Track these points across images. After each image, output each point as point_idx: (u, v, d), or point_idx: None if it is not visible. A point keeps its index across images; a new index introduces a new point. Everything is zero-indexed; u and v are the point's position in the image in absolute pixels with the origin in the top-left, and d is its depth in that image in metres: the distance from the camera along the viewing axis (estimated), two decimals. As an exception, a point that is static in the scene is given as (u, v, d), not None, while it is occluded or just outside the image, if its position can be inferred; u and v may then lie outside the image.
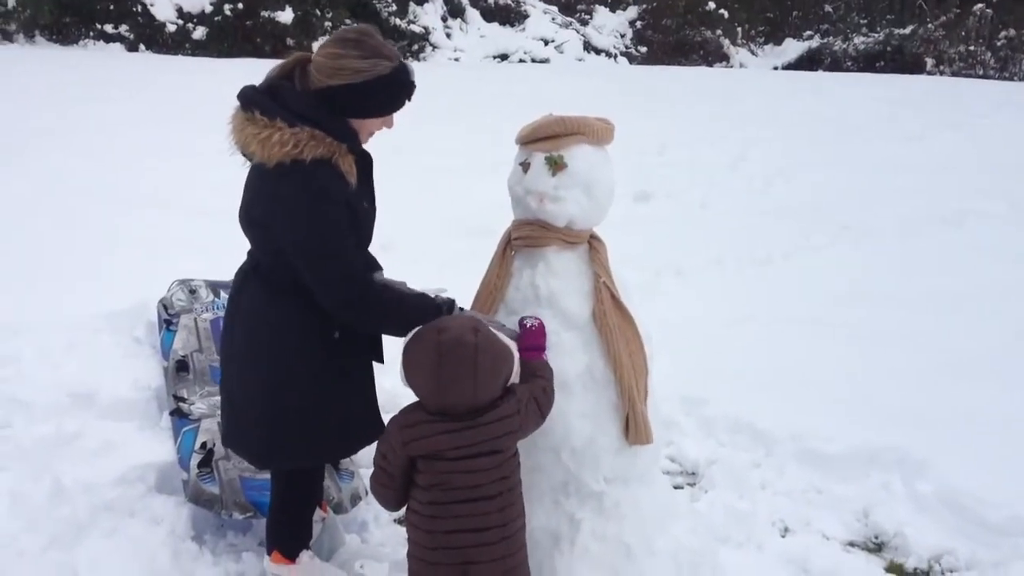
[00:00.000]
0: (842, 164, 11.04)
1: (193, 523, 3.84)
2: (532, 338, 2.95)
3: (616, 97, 14.25)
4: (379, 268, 3.08)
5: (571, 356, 3.05)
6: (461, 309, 3.04)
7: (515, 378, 2.82)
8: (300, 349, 3.00)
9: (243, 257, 3.15)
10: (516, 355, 2.81)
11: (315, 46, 3.08)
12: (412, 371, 2.75)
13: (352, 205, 2.92)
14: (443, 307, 2.98)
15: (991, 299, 6.65)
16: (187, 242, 6.53)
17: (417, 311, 2.93)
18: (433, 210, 8.15)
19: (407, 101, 3.02)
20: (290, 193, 2.84)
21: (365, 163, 3.03)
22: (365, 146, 3.05)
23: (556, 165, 3.01)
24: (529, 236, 3.11)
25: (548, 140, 3.05)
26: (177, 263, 5.61)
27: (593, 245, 3.17)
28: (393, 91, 2.96)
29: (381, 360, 3.21)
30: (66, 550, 3.44)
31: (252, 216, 2.99)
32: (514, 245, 3.16)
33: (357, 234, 2.97)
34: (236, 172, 3.12)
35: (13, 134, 10.40)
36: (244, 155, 2.96)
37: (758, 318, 6.27)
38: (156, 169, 9.30)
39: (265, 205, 2.92)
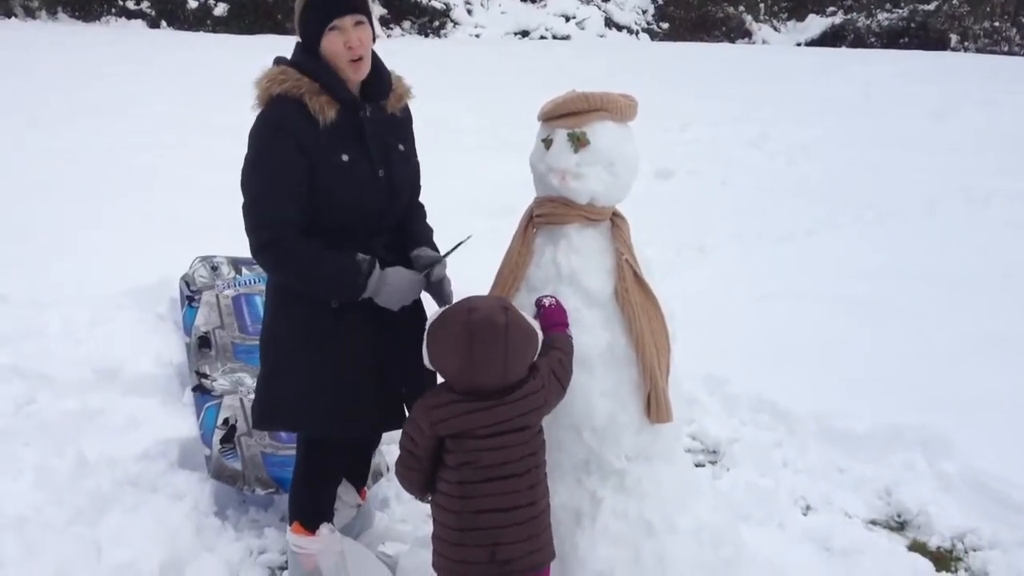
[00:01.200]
0: (866, 141, 10.97)
1: (215, 498, 3.87)
2: (555, 315, 2.93)
3: (638, 74, 14.18)
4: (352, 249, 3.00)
5: (593, 334, 3.03)
6: (382, 268, 2.98)
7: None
8: (293, 314, 3.04)
9: None
10: (540, 334, 2.80)
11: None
12: (440, 352, 2.72)
13: (313, 148, 2.90)
14: (362, 265, 2.93)
15: (1017, 278, 6.60)
16: (209, 219, 6.54)
17: (336, 269, 2.92)
18: (453, 188, 8.12)
19: (341, 7, 2.94)
20: (252, 127, 2.94)
21: (361, 119, 3.01)
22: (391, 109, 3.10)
23: (579, 142, 2.98)
24: (551, 213, 3.09)
25: (570, 116, 3.02)
26: (199, 240, 5.63)
27: (615, 222, 3.14)
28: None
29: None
30: (90, 524, 3.47)
31: None
32: (536, 223, 3.14)
33: (318, 185, 2.93)
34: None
35: (37, 110, 10.46)
36: None
37: (781, 296, 6.25)
38: (179, 146, 9.34)
39: None
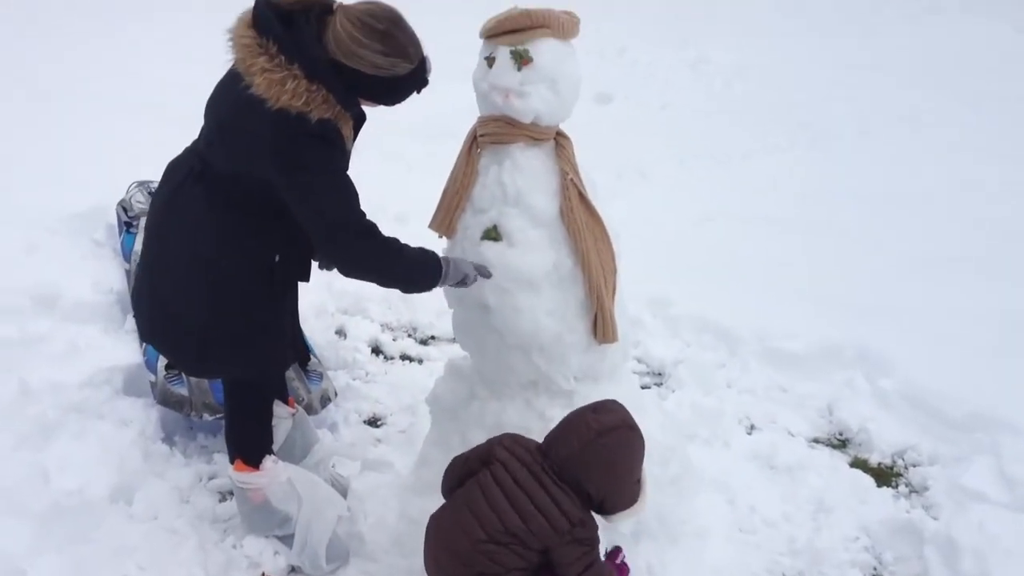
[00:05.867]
0: (801, 62, 10.96)
1: (162, 425, 3.84)
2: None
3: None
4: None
5: (539, 254, 3.03)
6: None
7: None
8: (245, 270, 2.93)
9: None
10: None
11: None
12: (639, 459, 2.85)
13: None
14: (433, 255, 2.98)
15: (949, 197, 6.69)
16: (146, 144, 6.36)
17: (421, 262, 2.95)
18: (396, 113, 8.00)
19: (416, 94, 2.93)
20: (308, 151, 2.72)
21: (358, 124, 2.97)
22: None
23: (522, 59, 2.94)
24: (495, 133, 3.06)
25: (513, 34, 2.97)
26: (135, 165, 5.51)
27: (559, 142, 3.13)
28: (405, 88, 2.88)
29: (307, 279, 3.18)
30: (36, 450, 3.41)
31: (230, 135, 2.82)
32: (480, 142, 3.12)
33: None
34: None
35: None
36: (239, 71, 2.74)
37: (721, 218, 6.29)
38: (116, 70, 9.08)
39: (260, 142, 2.72)
